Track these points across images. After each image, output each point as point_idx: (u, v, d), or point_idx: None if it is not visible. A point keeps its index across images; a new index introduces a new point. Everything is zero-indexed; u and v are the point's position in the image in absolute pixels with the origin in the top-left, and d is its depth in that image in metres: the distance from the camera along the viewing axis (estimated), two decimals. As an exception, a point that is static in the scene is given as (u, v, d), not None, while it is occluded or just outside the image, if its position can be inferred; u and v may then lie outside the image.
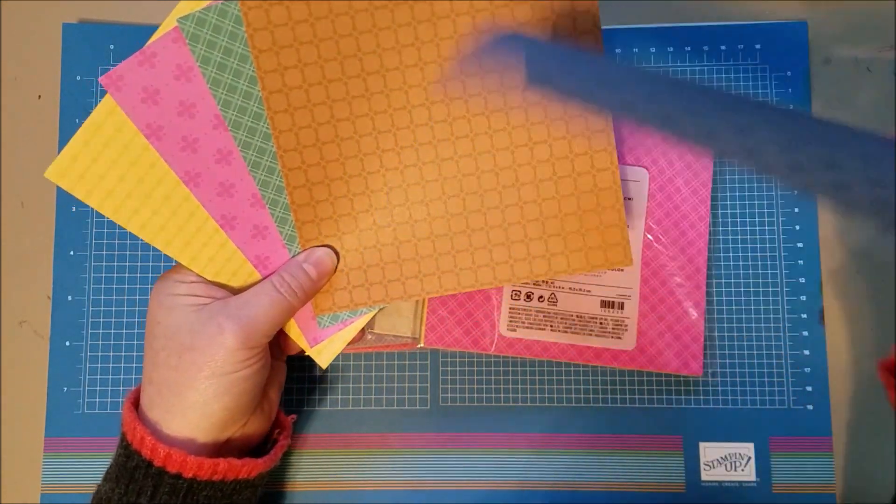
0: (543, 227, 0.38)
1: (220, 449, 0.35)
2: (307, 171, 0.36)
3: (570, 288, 0.43)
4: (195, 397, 0.34)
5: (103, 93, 0.45)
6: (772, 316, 0.44)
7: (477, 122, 0.36)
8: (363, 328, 0.40)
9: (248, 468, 0.35)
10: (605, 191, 0.37)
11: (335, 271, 0.38)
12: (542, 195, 0.37)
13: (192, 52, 0.35)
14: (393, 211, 0.38)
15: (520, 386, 0.44)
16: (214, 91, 0.35)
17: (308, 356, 0.39)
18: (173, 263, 0.44)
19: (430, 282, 0.38)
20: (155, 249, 0.45)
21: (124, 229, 0.45)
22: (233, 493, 0.35)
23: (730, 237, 0.45)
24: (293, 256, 0.37)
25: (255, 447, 0.39)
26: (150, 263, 0.45)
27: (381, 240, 0.38)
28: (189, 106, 0.35)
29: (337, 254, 0.38)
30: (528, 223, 0.37)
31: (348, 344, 0.39)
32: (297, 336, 0.38)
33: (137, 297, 0.44)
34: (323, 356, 0.39)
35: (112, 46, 0.46)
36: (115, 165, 0.35)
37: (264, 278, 0.37)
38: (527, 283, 0.42)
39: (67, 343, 0.44)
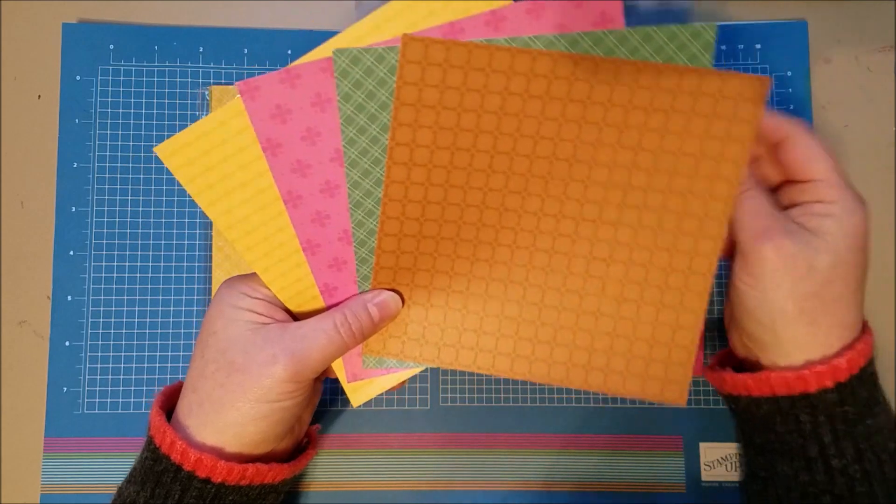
0: (612, 344, 0.37)
1: (246, 461, 0.35)
2: (403, 223, 0.36)
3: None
4: (234, 417, 0.34)
5: (103, 93, 0.45)
6: (772, 316, 0.44)
7: (584, 227, 0.36)
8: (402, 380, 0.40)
9: (274, 473, 0.35)
10: (683, 330, 0.36)
11: (396, 317, 0.38)
12: (621, 313, 0.37)
13: (337, 86, 0.35)
14: (471, 281, 0.37)
15: (520, 386, 0.44)
16: (345, 128, 0.35)
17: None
18: (172, 266, 0.45)
19: (483, 358, 0.38)
20: (154, 250, 0.45)
21: (124, 229, 0.45)
22: (258, 497, 0.36)
23: (730, 237, 0.45)
24: (360, 293, 0.37)
25: (280, 458, 0.39)
26: (150, 264, 0.45)
27: (450, 303, 0.38)
28: (314, 133, 0.36)
29: (403, 300, 0.38)
30: (598, 335, 0.37)
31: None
32: (338, 367, 0.38)
33: (137, 297, 0.44)
34: (358, 395, 0.39)
35: (112, 46, 0.46)
36: (223, 163, 0.36)
37: (327, 308, 0.37)
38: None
39: (67, 343, 0.44)
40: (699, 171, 0.35)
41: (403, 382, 0.40)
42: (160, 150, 0.36)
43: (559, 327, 0.37)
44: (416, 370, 0.39)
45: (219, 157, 0.36)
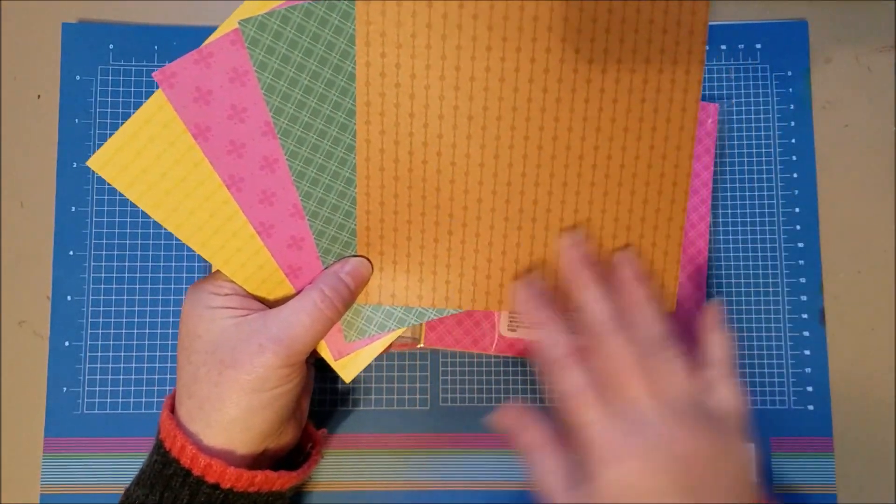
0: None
1: (256, 459, 0.36)
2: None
3: (570, 288, 0.42)
4: (236, 413, 0.34)
5: (103, 93, 0.45)
6: (772, 316, 0.44)
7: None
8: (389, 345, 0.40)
9: (283, 481, 0.35)
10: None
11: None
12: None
13: (250, 56, 0.34)
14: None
15: (520, 386, 0.44)
16: (268, 98, 0.35)
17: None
18: (172, 266, 0.45)
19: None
20: (154, 250, 0.45)
21: (124, 229, 0.45)
22: None
23: (730, 237, 0.45)
24: (327, 267, 0.37)
25: (287, 457, 0.39)
26: (150, 263, 0.45)
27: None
28: (240, 110, 0.35)
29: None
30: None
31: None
32: (322, 348, 0.38)
33: (137, 297, 0.44)
34: (347, 370, 0.39)
35: (111, 46, 0.46)
36: (158, 161, 0.35)
37: (297, 291, 0.37)
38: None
39: (67, 343, 0.44)
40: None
41: (390, 347, 0.40)
42: (93, 162, 0.35)
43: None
44: (399, 332, 0.39)
45: (151, 156, 0.35)
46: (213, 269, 0.38)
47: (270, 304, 0.37)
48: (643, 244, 0.38)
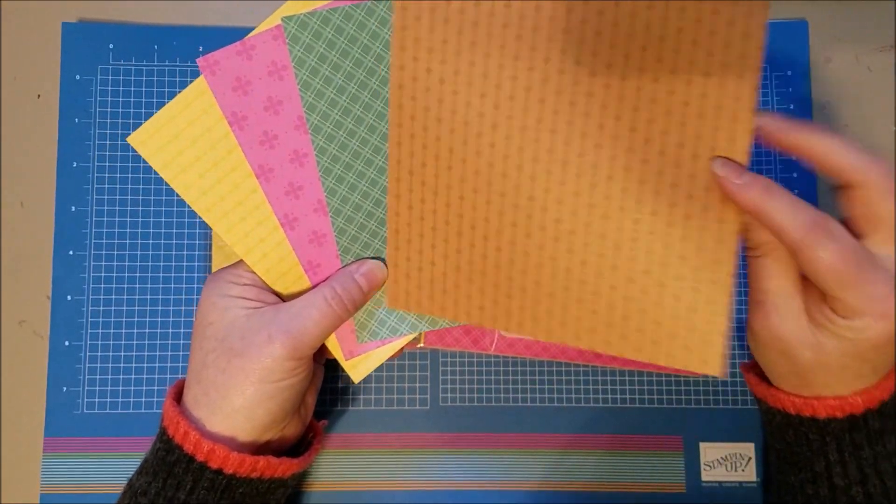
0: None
1: (259, 449, 0.36)
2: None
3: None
4: (241, 402, 0.34)
5: (103, 92, 0.45)
6: (772, 316, 0.44)
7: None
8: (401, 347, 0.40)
9: (284, 467, 0.36)
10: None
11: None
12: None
13: (289, 52, 0.35)
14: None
15: (520, 386, 0.44)
16: (303, 93, 0.36)
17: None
18: (172, 265, 0.45)
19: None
20: (154, 250, 0.45)
21: (124, 229, 0.45)
22: (267, 491, 0.36)
23: (730, 237, 0.45)
24: (344, 266, 0.38)
25: (288, 449, 0.39)
26: (150, 263, 0.45)
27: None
28: (276, 102, 0.36)
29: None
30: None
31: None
32: (334, 347, 0.38)
33: (137, 296, 0.44)
34: (357, 370, 0.39)
35: (111, 46, 0.46)
36: (194, 145, 0.36)
37: (313, 286, 0.37)
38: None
39: (67, 343, 0.44)
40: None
41: (401, 351, 0.40)
42: (133, 139, 0.36)
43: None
44: (411, 337, 0.39)
45: (188, 139, 0.36)
46: (216, 261, 0.38)
47: (286, 300, 0.37)
48: (683, 287, 0.33)
